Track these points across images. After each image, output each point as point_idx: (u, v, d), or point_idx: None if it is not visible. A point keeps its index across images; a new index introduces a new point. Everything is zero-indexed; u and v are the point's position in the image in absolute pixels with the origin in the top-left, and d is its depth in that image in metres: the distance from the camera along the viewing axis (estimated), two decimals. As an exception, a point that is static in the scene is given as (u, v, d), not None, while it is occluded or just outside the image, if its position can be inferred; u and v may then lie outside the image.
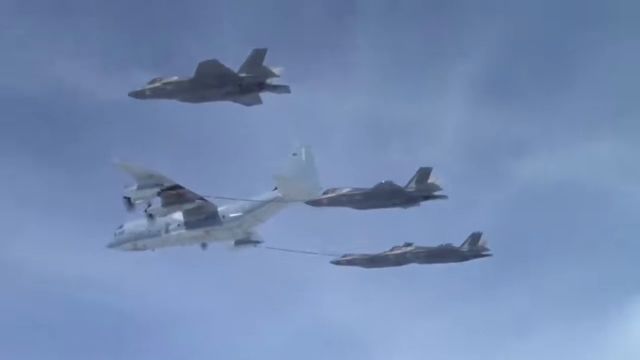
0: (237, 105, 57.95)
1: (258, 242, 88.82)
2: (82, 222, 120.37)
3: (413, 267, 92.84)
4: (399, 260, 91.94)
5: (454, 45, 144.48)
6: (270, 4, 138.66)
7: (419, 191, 67.61)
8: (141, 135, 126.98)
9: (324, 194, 71.41)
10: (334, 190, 70.51)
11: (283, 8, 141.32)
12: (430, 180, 69.35)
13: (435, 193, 68.52)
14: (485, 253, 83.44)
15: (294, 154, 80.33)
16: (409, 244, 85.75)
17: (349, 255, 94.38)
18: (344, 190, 69.58)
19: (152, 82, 57.44)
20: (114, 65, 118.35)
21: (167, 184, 77.00)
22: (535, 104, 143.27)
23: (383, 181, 67.13)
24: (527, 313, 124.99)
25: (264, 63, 54.62)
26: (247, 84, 55.05)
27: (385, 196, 67.92)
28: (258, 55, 54.06)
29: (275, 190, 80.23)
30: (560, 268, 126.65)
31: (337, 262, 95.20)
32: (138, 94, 58.18)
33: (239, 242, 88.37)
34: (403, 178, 79.23)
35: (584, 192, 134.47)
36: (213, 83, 55.11)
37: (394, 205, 68.79)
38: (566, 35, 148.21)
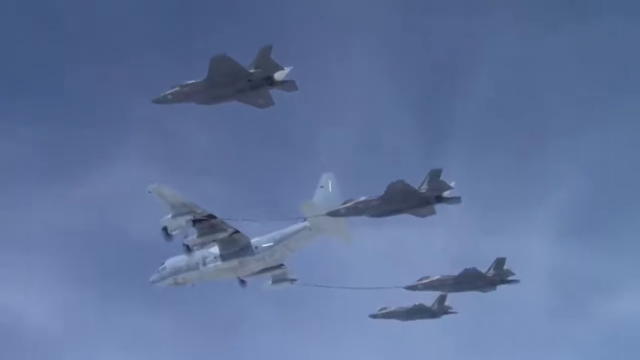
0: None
1: (294, 280, 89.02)
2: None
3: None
4: (434, 312, 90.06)
5: (542, 182, 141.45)
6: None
7: (431, 191, 65.68)
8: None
9: (342, 204, 70.63)
10: (351, 200, 69.64)
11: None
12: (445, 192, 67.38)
13: (447, 194, 66.22)
14: (511, 278, 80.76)
15: (322, 187, 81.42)
16: None
17: (386, 308, 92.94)
18: (361, 198, 68.47)
19: (172, 87, 58.89)
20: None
21: (200, 213, 77.92)
22: (624, 243, 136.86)
23: (394, 180, 65.48)
24: None
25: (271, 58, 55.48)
26: (256, 79, 55.95)
27: (399, 198, 66.09)
28: (265, 52, 55.24)
29: (305, 221, 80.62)
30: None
31: (374, 316, 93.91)
32: (160, 100, 59.64)
33: (276, 281, 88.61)
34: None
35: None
36: (225, 81, 56.23)
37: (408, 208, 66.89)
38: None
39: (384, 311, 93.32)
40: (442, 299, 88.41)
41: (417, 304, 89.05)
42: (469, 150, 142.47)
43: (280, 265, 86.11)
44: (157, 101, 60.01)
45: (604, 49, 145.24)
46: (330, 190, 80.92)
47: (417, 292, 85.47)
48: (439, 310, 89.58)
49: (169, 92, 59.21)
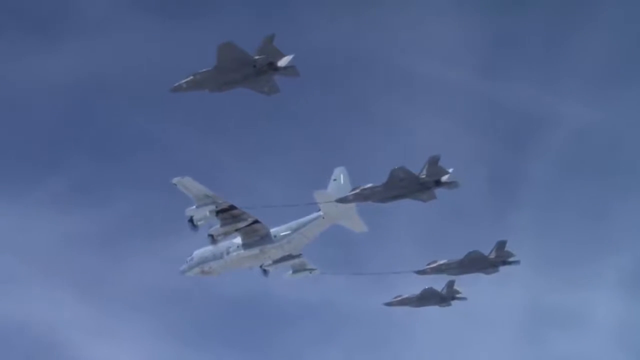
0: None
1: (313, 269, 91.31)
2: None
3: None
4: (444, 296, 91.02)
5: (610, 240, 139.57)
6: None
7: (430, 176, 67.17)
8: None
9: (350, 191, 72.66)
10: (358, 187, 71.61)
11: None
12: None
13: (446, 179, 67.41)
14: (512, 260, 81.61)
15: (334, 180, 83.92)
16: None
17: (400, 296, 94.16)
18: (367, 185, 70.34)
19: (187, 77, 61.60)
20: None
21: (223, 204, 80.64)
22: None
23: (396, 167, 67.12)
24: None
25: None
26: (260, 65, 58.50)
27: (401, 184, 67.80)
28: (268, 40, 57.87)
29: (319, 211, 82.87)
30: None
31: (390, 304, 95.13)
32: (176, 88, 62.35)
33: (296, 271, 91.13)
34: None
35: None
36: (232, 66, 58.93)
37: (410, 193, 68.44)
38: None
39: (398, 299, 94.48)
40: (450, 283, 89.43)
41: (426, 287, 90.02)
42: (538, 210, 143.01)
43: (299, 255, 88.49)
44: (174, 90, 62.78)
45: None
46: (342, 182, 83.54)
47: (427, 277, 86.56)
48: (448, 294, 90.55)
49: (183, 81, 61.99)
